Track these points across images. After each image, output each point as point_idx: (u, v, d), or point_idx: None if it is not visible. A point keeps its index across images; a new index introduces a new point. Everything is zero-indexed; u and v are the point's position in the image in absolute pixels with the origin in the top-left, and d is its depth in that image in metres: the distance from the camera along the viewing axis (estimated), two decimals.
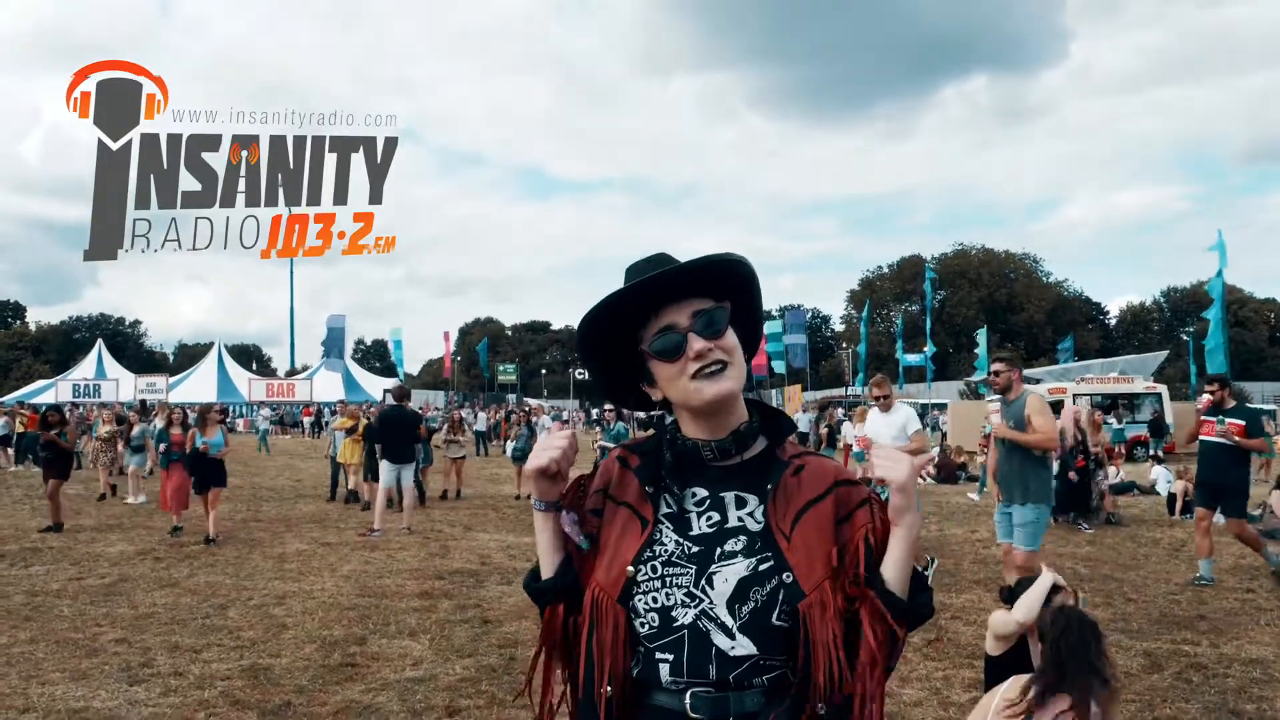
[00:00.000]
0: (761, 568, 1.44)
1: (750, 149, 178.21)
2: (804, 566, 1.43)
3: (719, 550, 1.47)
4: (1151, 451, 21.68)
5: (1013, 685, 3.04)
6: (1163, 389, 26.20)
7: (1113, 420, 24.00)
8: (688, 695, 1.43)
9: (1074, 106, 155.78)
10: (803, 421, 23.77)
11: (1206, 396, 8.34)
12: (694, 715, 1.43)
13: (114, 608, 7.10)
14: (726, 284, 1.54)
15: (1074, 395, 25.07)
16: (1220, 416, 7.97)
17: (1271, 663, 5.57)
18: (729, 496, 1.52)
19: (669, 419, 1.62)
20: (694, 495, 1.53)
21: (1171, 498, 13.07)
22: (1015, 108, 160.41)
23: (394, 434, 11.47)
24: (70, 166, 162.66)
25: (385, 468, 11.28)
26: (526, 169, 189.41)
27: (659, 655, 1.46)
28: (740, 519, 1.49)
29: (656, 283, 1.50)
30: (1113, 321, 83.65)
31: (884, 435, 7.68)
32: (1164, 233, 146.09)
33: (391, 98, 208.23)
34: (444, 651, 5.88)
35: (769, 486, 1.50)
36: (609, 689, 1.47)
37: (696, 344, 1.47)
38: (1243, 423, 7.89)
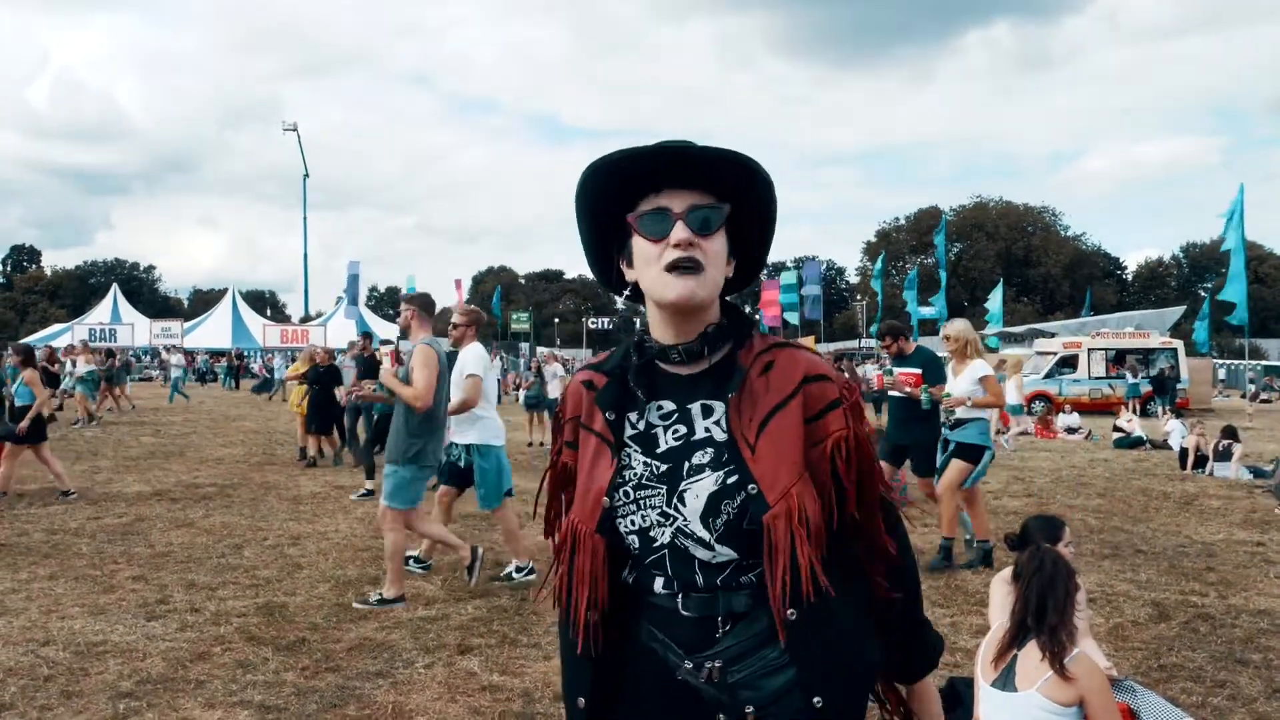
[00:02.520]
0: (729, 481, 1.43)
1: (769, 95, 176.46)
2: (769, 477, 1.41)
3: (687, 465, 1.46)
4: (1166, 406, 21.58)
5: (997, 628, 3.08)
6: (1178, 344, 26.00)
7: (1128, 375, 23.94)
8: (680, 597, 1.47)
9: (1098, 55, 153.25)
10: None
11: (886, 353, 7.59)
12: (685, 613, 1.46)
13: (131, 546, 7.20)
14: (735, 189, 1.48)
15: (1089, 349, 24.98)
16: (890, 368, 7.29)
17: (1279, 614, 5.59)
18: (695, 407, 1.49)
19: (638, 325, 1.59)
20: (660, 409, 1.51)
21: (1183, 452, 13.05)
22: (1038, 55, 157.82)
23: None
24: (81, 110, 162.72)
25: None
26: (540, 116, 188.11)
27: (654, 571, 1.49)
28: (707, 429, 1.47)
29: (666, 155, 1.44)
30: (1130, 276, 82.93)
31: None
32: (1186, 185, 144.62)
33: (402, 40, 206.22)
34: (456, 591, 5.96)
35: (730, 394, 1.46)
36: (592, 615, 1.49)
37: (680, 233, 1.42)
38: (918, 371, 7.03)
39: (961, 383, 6.73)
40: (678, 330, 1.49)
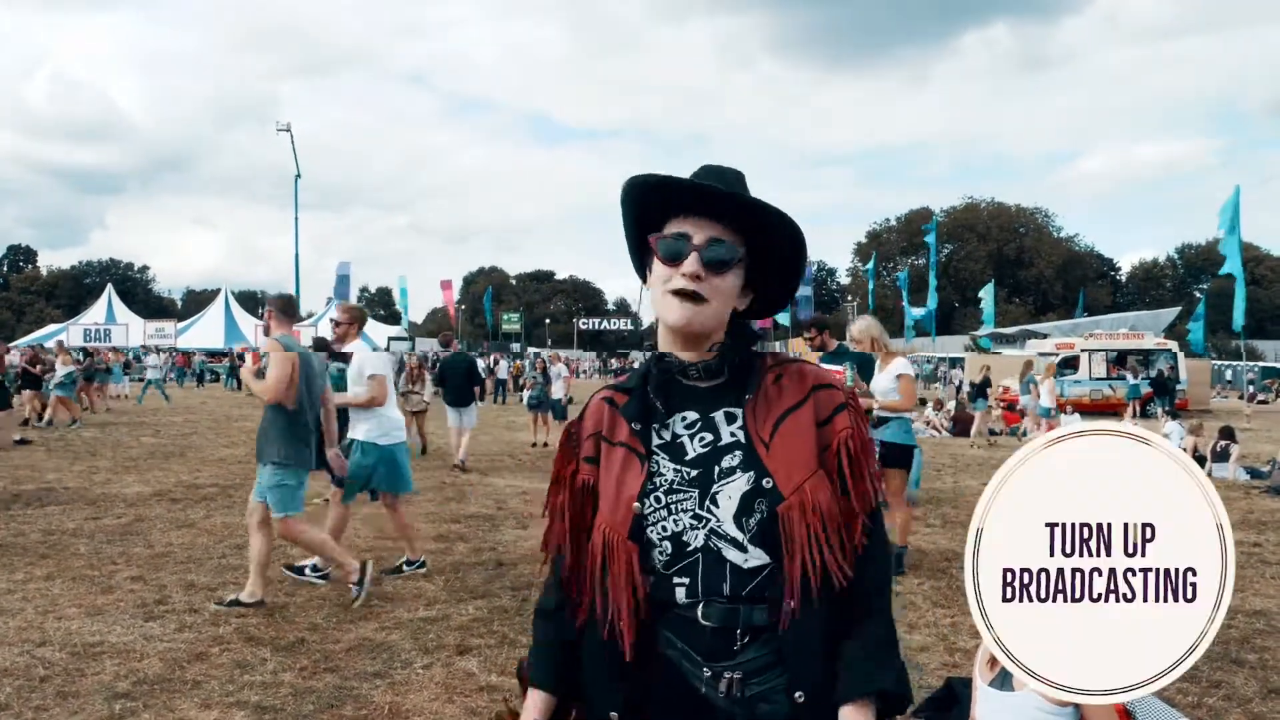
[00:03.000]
0: (758, 478, 1.48)
1: (766, 96, 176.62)
2: (783, 472, 1.47)
3: (717, 469, 1.50)
4: (1165, 408, 21.64)
5: None
6: (1174, 345, 26.08)
7: (1128, 376, 24.04)
8: (700, 606, 1.48)
9: (1097, 56, 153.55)
10: None
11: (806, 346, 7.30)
12: (704, 622, 1.47)
13: (130, 547, 7.18)
14: (761, 229, 1.54)
15: (1087, 351, 25.05)
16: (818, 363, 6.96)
17: (1275, 614, 5.61)
18: (719, 415, 1.54)
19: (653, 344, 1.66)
20: (684, 419, 1.55)
21: None
22: (1036, 56, 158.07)
23: (453, 379, 12.80)
24: (77, 109, 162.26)
25: (448, 411, 12.69)
26: (538, 116, 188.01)
27: (676, 580, 1.49)
28: (733, 434, 1.52)
29: (704, 192, 1.50)
30: (1124, 278, 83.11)
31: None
32: (1182, 187, 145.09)
33: (401, 40, 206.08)
34: (457, 592, 5.96)
35: (747, 397, 1.53)
36: (631, 623, 1.50)
37: (692, 265, 1.49)
38: (841, 368, 6.52)
39: (883, 380, 6.54)
40: (684, 348, 1.55)
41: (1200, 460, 12.52)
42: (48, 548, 7.12)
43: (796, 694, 1.44)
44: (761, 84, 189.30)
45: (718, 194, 1.49)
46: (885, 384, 6.53)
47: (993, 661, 3.00)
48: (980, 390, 18.92)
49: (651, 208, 1.56)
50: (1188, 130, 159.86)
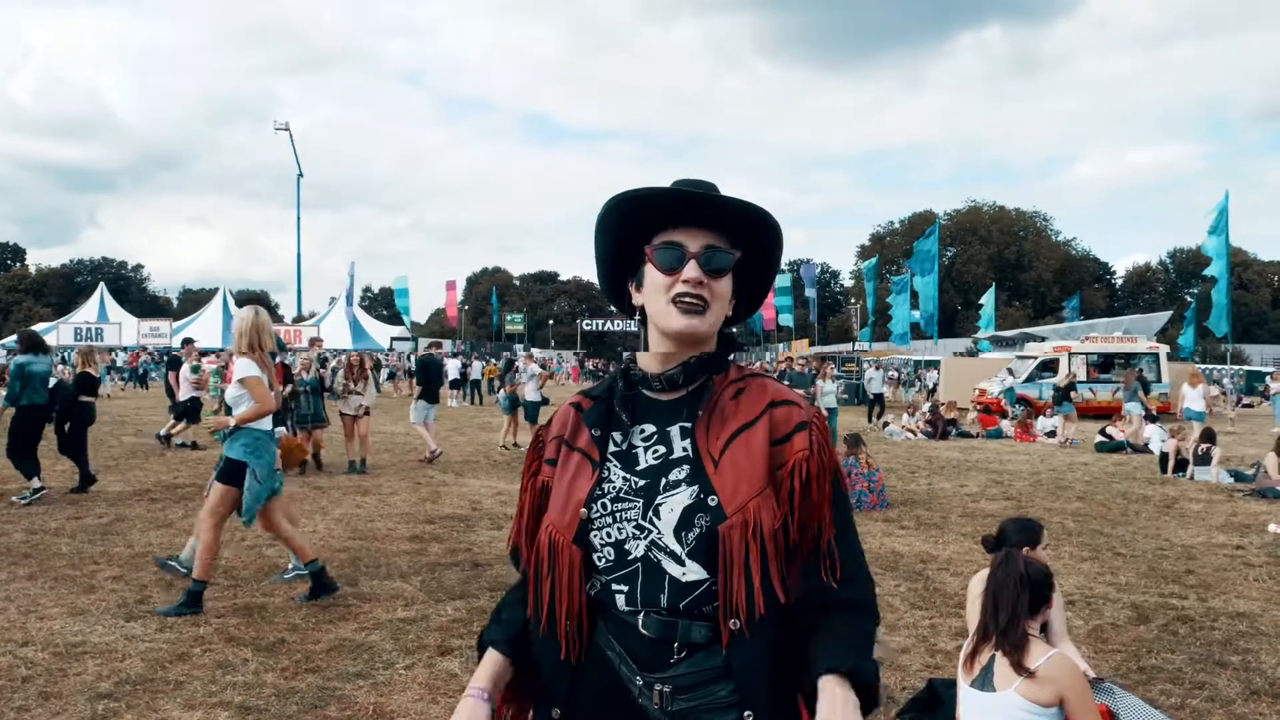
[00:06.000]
0: (701, 496, 1.47)
1: (759, 98, 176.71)
2: (729, 490, 1.46)
3: (664, 481, 1.50)
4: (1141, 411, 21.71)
5: (975, 628, 3.12)
6: (1163, 349, 26.21)
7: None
8: (641, 615, 1.48)
9: (1089, 60, 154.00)
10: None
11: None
12: (644, 631, 1.47)
13: (110, 546, 7.16)
14: (747, 235, 1.55)
15: (1069, 354, 25.15)
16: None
17: (1258, 616, 5.63)
18: (674, 429, 1.55)
19: (625, 355, 1.67)
20: (643, 431, 1.56)
21: (1164, 456, 13.13)
22: (1029, 59, 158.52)
23: (430, 378, 14.07)
24: (66, 105, 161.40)
25: (422, 406, 13.61)
26: (534, 116, 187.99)
27: (615, 587, 1.50)
28: (685, 448, 1.52)
29: (696, 200, 1.52)
30: (1119, 282, 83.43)
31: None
32: (1175, 191, 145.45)
33: (395, 38, 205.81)
34: (435, 593, 5.94)
35: (699, 412, 1.53)
36: (567, 623, 1.52)
37: (692, 271, 1.50)
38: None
39: (231, 387, 5.57)
40: (678, 355, 1.56)
41: (1183, 464, 12.56)
42: (30, 547, 7.09)
43: (745, 713, 1.43)
44: (754, 85, 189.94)
45: (707, 201, 1.50)
46: (233, 391, 5.55)
47: (972, 662, 3.01)
48: (1064, 395, 18.82)
49: (633, 225, 1.56)
50: (1178, 135, 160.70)
